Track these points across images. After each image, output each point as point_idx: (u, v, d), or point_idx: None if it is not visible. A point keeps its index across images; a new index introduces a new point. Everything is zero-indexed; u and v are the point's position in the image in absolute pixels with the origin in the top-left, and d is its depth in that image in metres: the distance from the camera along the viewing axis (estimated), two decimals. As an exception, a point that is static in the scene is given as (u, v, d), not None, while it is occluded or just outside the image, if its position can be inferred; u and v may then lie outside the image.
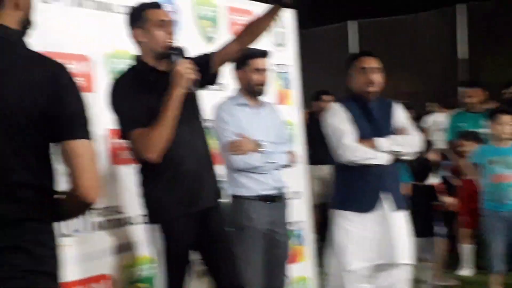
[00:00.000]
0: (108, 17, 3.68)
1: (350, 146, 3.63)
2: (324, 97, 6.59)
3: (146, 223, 3.12)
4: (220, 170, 3.42)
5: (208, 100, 3.49)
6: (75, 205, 1.83)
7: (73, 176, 1.78)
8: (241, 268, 3.19)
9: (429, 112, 8.69)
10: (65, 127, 1.78)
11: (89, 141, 1.82)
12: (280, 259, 3.76)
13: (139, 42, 3.03)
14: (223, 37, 4.06)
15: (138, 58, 3.08)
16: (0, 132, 1.77)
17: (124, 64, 3.70)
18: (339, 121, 3.68)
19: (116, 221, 3.69)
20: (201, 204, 3.04)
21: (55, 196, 1.87)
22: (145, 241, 3.22)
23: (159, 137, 2.88)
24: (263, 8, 3.25)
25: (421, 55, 11.58)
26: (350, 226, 3.68)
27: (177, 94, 2.89)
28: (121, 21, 3.21)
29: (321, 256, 4.30)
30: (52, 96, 1.77)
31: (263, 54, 3.72)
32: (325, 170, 5.59)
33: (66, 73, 1.84)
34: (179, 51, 2.97)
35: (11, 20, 1.88)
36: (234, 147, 3.56)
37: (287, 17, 4.88)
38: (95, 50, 3.63)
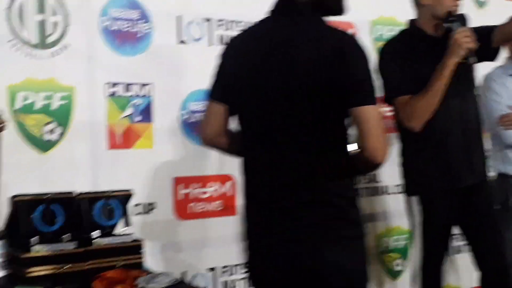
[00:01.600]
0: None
1: None
2: None
3: (404, 193, 3.04)
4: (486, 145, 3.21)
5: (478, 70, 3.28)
6: (364, 164, 1.94)
7: (361, 139, 1.90)
8: (507, 249, 2.99)
9: None
10: (353, 94, 1.88)
11: (375, 106, 1.90)
12: None
13: (421, 6, 2.92)
14: (496, 2, 3.81)
15: (412, 23, 2.98)
16: (289, 100, 1.90)
17: (389, 30, 3.66)
18: None
19: (372, 189, 3.69)
20: (467, 180, 2.87)
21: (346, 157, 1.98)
22: (401, 212, 3.15)
23: (424, 106, 2.78)
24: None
25: None
26: None
27: (451, 63, 2.75)
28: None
29: None
30: (339, 66, 1.86)
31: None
32: None
33: (352, 43, 1.91)
34: (460, 19, 2.82)
35: None
36: (508, 121, 3.30)
37: None
38: (360, 17, 3.62)
